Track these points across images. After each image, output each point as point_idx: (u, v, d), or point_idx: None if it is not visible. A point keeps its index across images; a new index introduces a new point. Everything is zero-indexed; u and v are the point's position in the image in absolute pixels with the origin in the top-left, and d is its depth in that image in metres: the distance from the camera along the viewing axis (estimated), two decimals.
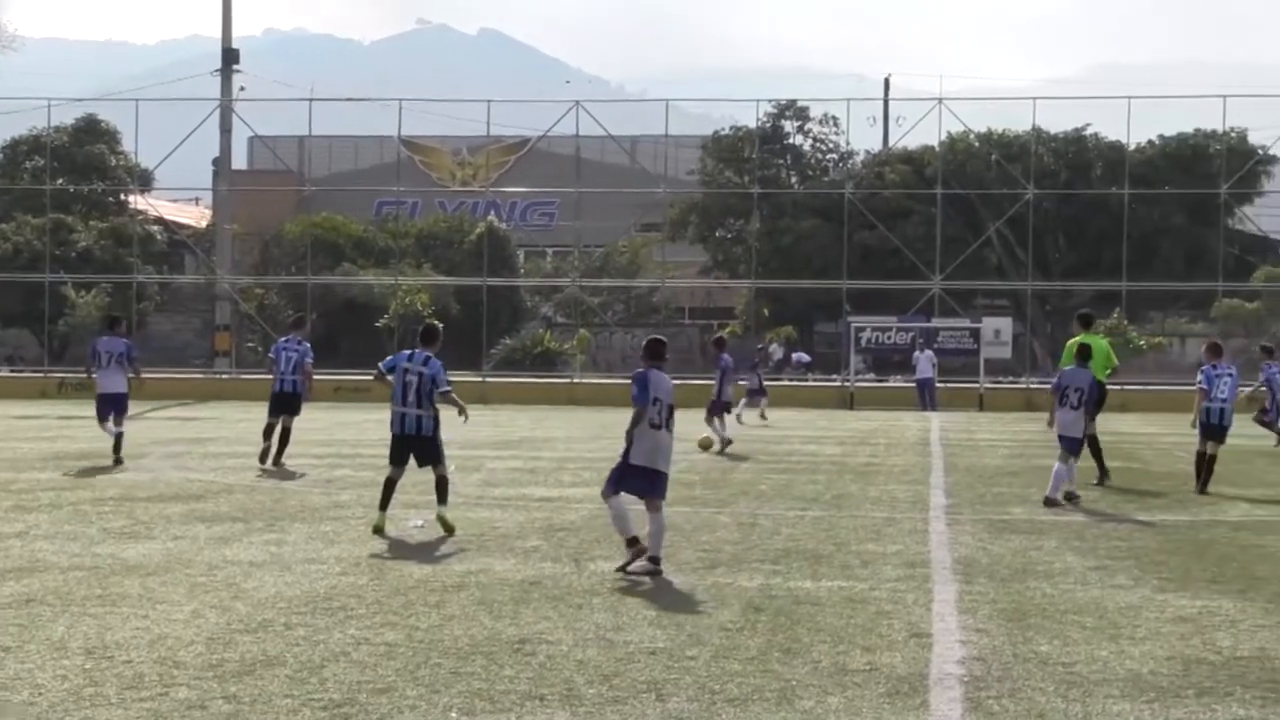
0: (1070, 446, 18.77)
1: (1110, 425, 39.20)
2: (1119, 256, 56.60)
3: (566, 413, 42.02)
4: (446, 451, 15.67)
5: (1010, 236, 65.04)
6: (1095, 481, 20.97)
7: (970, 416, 43.15)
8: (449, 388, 15.33)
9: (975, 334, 51.83)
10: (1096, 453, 21.58)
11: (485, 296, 58.63)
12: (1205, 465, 20.62)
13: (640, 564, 12.49)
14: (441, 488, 15.14)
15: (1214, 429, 20.88)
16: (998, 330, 53.55)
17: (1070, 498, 18.50)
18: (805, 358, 65.37)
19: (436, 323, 16.52)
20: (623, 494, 12.82)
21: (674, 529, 15.46)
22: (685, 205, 71.77)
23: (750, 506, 17.90)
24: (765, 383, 41.08)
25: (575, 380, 52.33)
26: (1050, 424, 19.44)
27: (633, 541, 12.51)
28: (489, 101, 60.35)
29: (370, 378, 16.64)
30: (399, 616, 10.56)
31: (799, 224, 67.78)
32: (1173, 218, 66.47)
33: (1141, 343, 64.87)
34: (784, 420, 38.14)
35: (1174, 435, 34.31)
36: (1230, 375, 21.39)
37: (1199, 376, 21.37)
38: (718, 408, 28.35)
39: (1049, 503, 18.24)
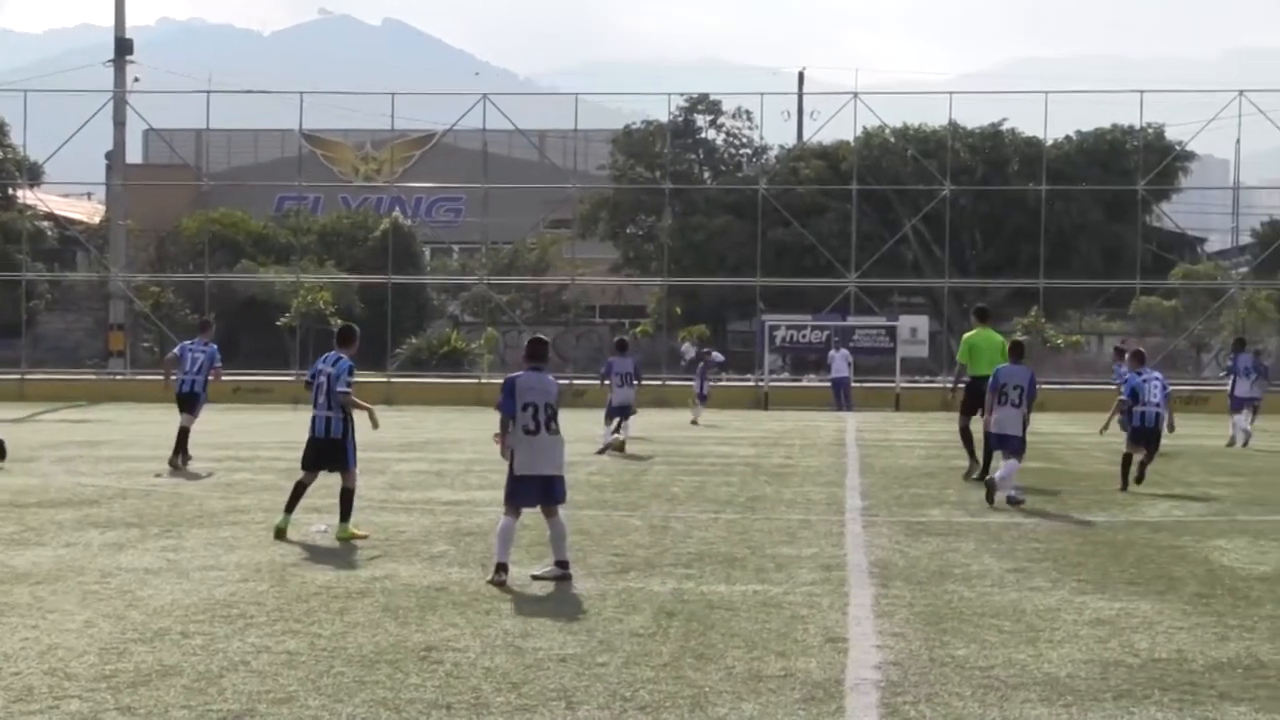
0: (1010, 445, 19.12)
1: (1030, 425, 39.60)
2: (1036, 253, 57.20)
3: (474, 414, 41.89)
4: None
5: (926, 233, 65.58)
6: (965, 476, 21.82)
7: (886, 417, 43.45)
8: (346, 389, 15.20)
9: (891, 332, 52.20)
10: (968, 446, 22.35)
11: (390, 295, 58.31)
12: (1137, 468, 21.03)
13: (548, 569, 12.46)
14: (345, 501, 15.03)
15: (1147, 434, 21.34)
16: (914, 329, 53.99)
17: (1014, 500, 18.66)
18: (719, 357, 65.51)
19: (353, 325, 16.41)
20: (524, 510, 12.71)
21: (584, 533, 15.45)
22: (595, 201, 71.81)
23: (663, 509, 17.91)
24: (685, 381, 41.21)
25: (483, 380, 52.17)
26: (988, 425, 19.73)
27: (501, 568, 12.27)
28: (393, 94, 60.04)
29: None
30: (301, 624, 10.48)
31: (712, 220, 68.03)
32: (1090, 214, 67.34)
33: (1059, 341, 65.72)
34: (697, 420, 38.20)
35: (1092, 435, 34.73)
36: (1158, 379, 21.88)
37: (1122, 385, 22.02)
38: (614, 411, 28.44)
39: (1012, 501, 18.65)
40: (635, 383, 28.96)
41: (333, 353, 15.51)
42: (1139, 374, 21.84)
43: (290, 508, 15.14)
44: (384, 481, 20.95)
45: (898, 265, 65.26)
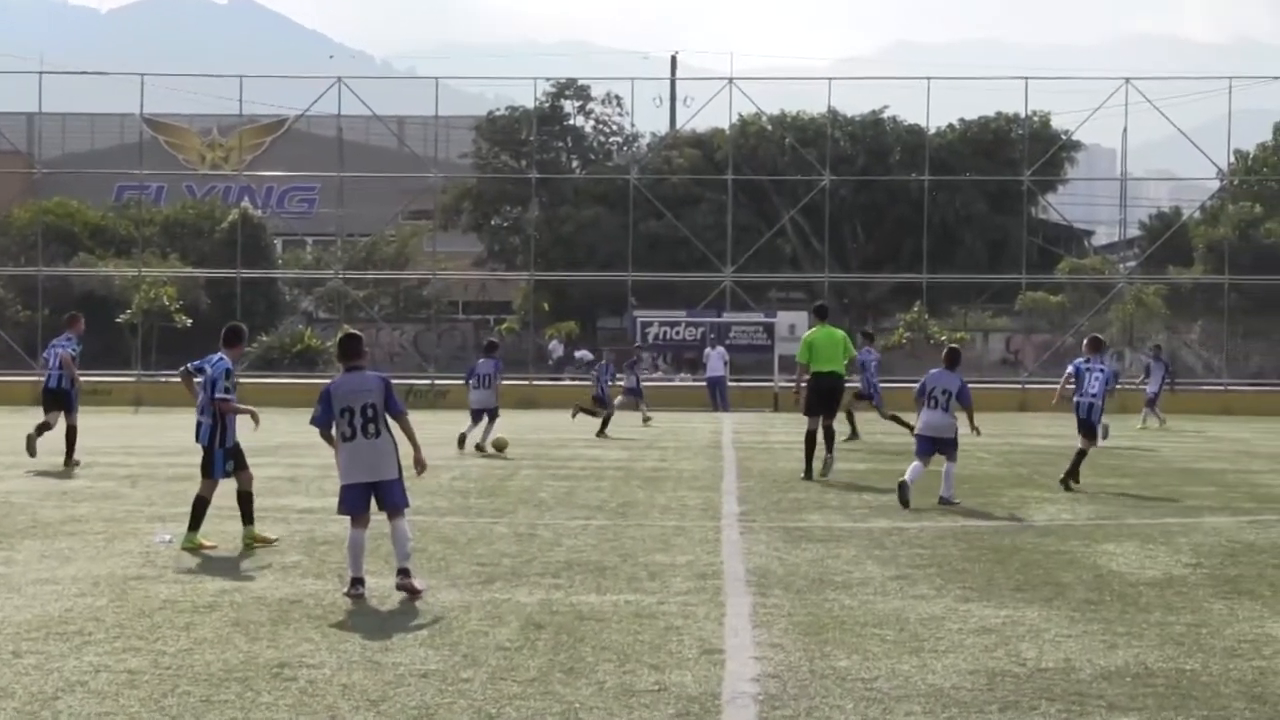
0: (946, 449, 19.87)
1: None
2: (919, 247, 57.89)
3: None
4: (199, 458, 15.39)
5: (805, 225, 66.08)
6: (802, 476, 22.91)
7: (764, 417, 43.70)
8: (224, 395, 15.16)
9: (769, 329, 52.55)
10: (809, 449, 23.39)
11: (239, 290, 57.69)
12: (1074, 459, 22.16)
13: (397, 581, 12.29)
14: (243, 504, 15.25)
15: (1084, 424, 22.44)
16: (793, 325, 54.33)
17: (945, 501, 19.46)
18: (588, 355, 65.57)
19: (240, 325, 16.23)
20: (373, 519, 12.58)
21: (446, 541, 15.38)
22: (458, 191, 71.51)
23: (529, 516, 17.88)
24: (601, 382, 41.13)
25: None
26: (913, 429, 20.60)
27: (356, 582, 12.16)
28: (242, 77, 59.38)
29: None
30: (143, 641, 10.33)
31: (580, 212, 68.03)
32: (974, 206, 68.20)
33: (943, 338, 66.47)
34: (565, 423, 38.20)
35: (975, 437, 35.15)
36: (1101, 370, 22.73)
37: (1068, 368, 23.02)
38: (478, 414, 29.00)
39: (944, 501, 19.35)
40: (492, 385, 29.06)
41: (216, 354, 15.48)
42: (1086, 360, 22.82)
43: (192, 524, 15.13)
44: (232, 488, 20.69)
45: (775, 259, 65.73)
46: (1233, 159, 65.04)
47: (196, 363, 15.69)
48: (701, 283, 58.56)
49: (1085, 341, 24.06)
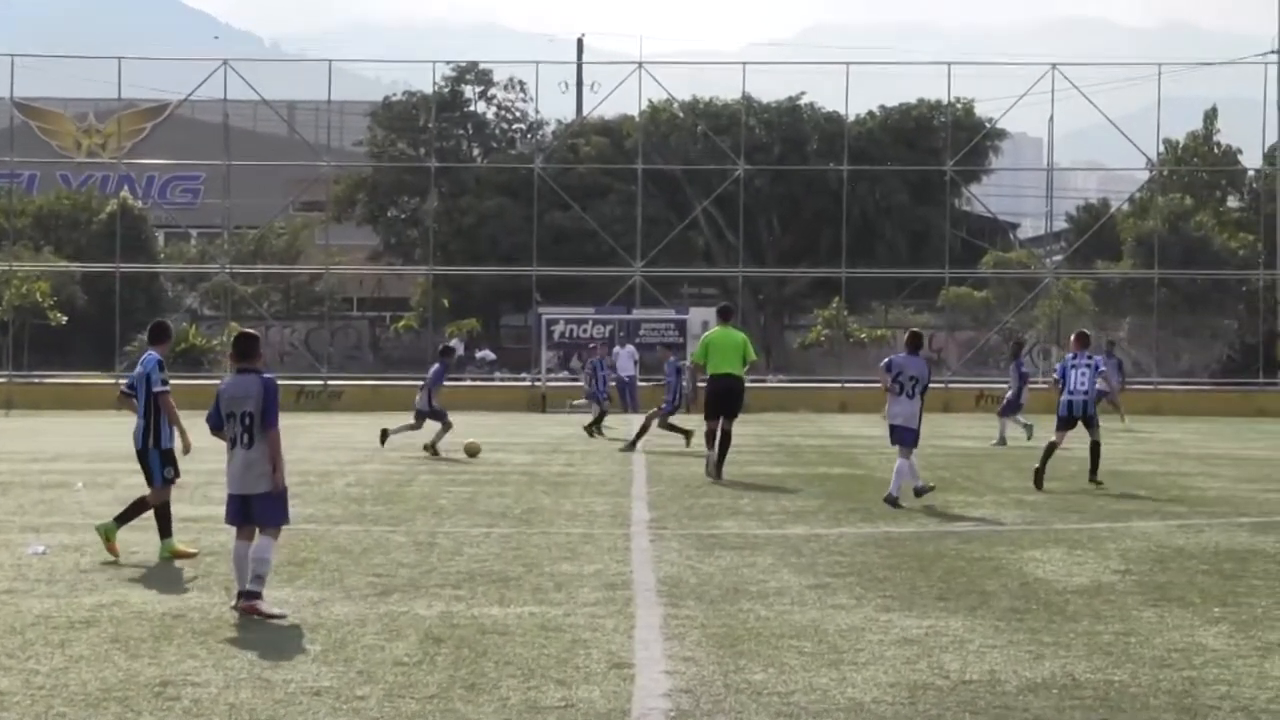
0: (906, 438, 20.30)
1: (831, 427, 40.33)
2: (838, 240, 58.18)
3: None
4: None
5: (719, 218, 66.27)
6: (707, 471, 23.92)
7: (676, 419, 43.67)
8: (163, 388, 15.11)
9: (681, 326, 52.64)
10: (710, 445, 24.31)
11: (118, 285, 57.09)
12: (1091, 454, 23.28)
13: (240, 602, 12.01)
14: (159, 517, 15.09)
15: (1072, 421, 23.27)
16: (706, 322, 54.35)
17: (920, 491, 20.09)
18: (490, 355, 65.51)
19: (166, 321, 16.12)
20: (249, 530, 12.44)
21: (340, 550, 15.31)
22: (352, 181, 71.19)
23: (429, 523, 17.82)
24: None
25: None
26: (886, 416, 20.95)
27: (244, 595, 12.02)
28: (120, 58, 58.76)
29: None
30: (15, 659, 10.20)
31: (482, 203, 67.91)
32: (895, 197, 68.66)
33: (862, 335, 66.94)
34: (467, 425, 38.09)
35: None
36: (1088, 366, 23.39)
37: (1055, 373, 23.89)
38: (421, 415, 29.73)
39: (890, 501, 19.73)
40: (426, 388, 29.94)
41: (148, 351, 15.47)
42: (1074, 356, 23.46)
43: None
44: (111, 495, 20.48)
45: (687, 253, 65.86)
46: (1162, 149, 65.85)
47: (130, 379, 15.61)
48: (610, 278, 58.57)
49: (1073, 337, 24.70)
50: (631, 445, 30.29)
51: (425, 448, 28.72)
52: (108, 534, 14.87)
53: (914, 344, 21.34)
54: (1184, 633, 11.40)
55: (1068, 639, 11.11)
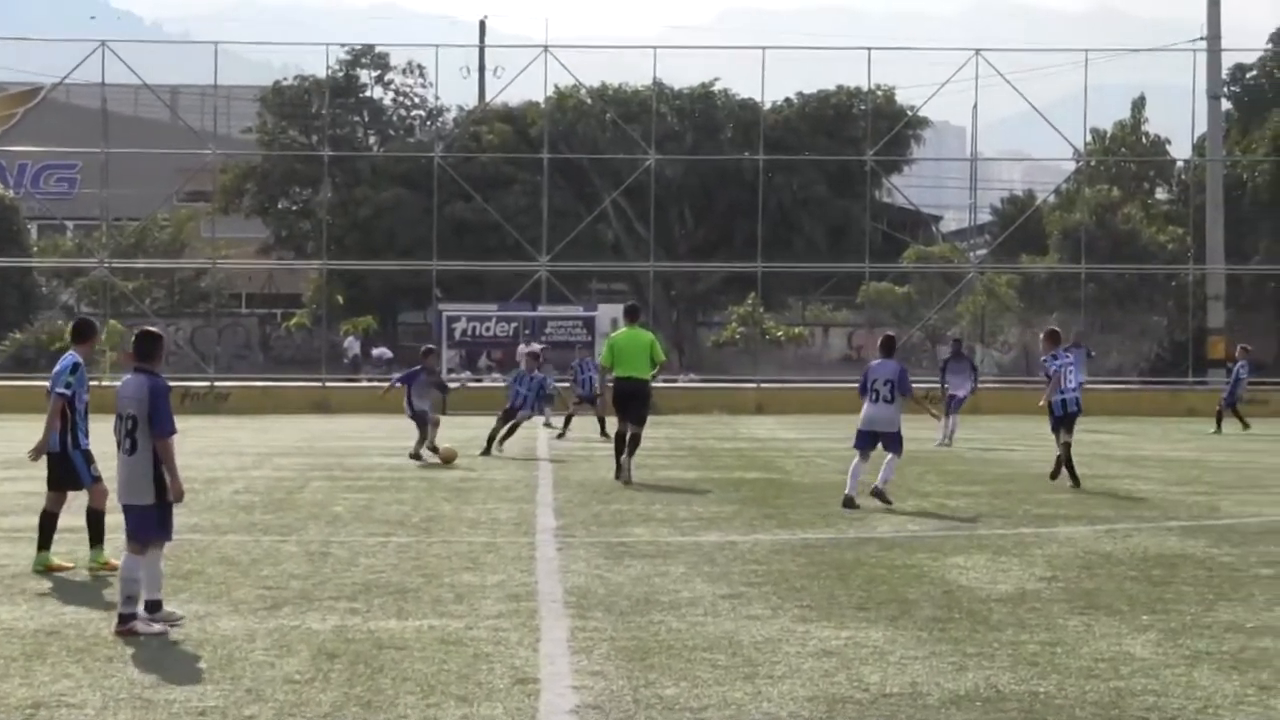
0: (890, 443, 21.06)
1: (746, 430, 40.45)
2: (753, 233, 58.33)
3: (94, 422, 40.79)
4: None
5: (629, 209, 66.32)
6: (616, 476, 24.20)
7: (584, 421, 43.70)
8: (63, 391, 14.92)
9: (589, 324, 52.66)
10: (618, 449, 24.70)
11: None
12: (1064, 460, 23.91)
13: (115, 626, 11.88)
14: (91, 523, 14.95)
15: (1060, 421, 23.99)
16: (615, 319, 54.42)
17: (878, 494, 20.60)
18: (387, 353, 65.23)
19: (91, 319, 15.88)
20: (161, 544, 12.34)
21: (228, 562, 15.21)
22: (240, 170, 70.73)
23: (322, 532, 17.74)
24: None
25: (105, 383, 50.91)
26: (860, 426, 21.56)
27: (130, 610, 11.86)
28: None
29: None
30: None
31: (379, 194, 67.63)
32: (814, 188, 68.94)
33: (779, 333, 67.19)
34: (361, 429, 37.99)
35: (818, 439, 35.59)
36: (1073, 362, 24.53)
37: (1052, 368, 24.42)
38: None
39: (877, 493, 20.46)
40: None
41: (69, 351, 15.32)
42: (1054, 357, 24.36)
43: (42, 543, 14.95)
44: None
45: (596, 246, 65.82)
46: (1089, 138, 66.46)
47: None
48: (514, 273, 58.50)
49: (1043, 336, 25.62)
50: (487, 450, 30.46)
51: (411, 455, 28.78)
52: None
53: (888, 348, 22.01)
54: (1111, 641, 11.52)
55: (992, 649, 11.21)
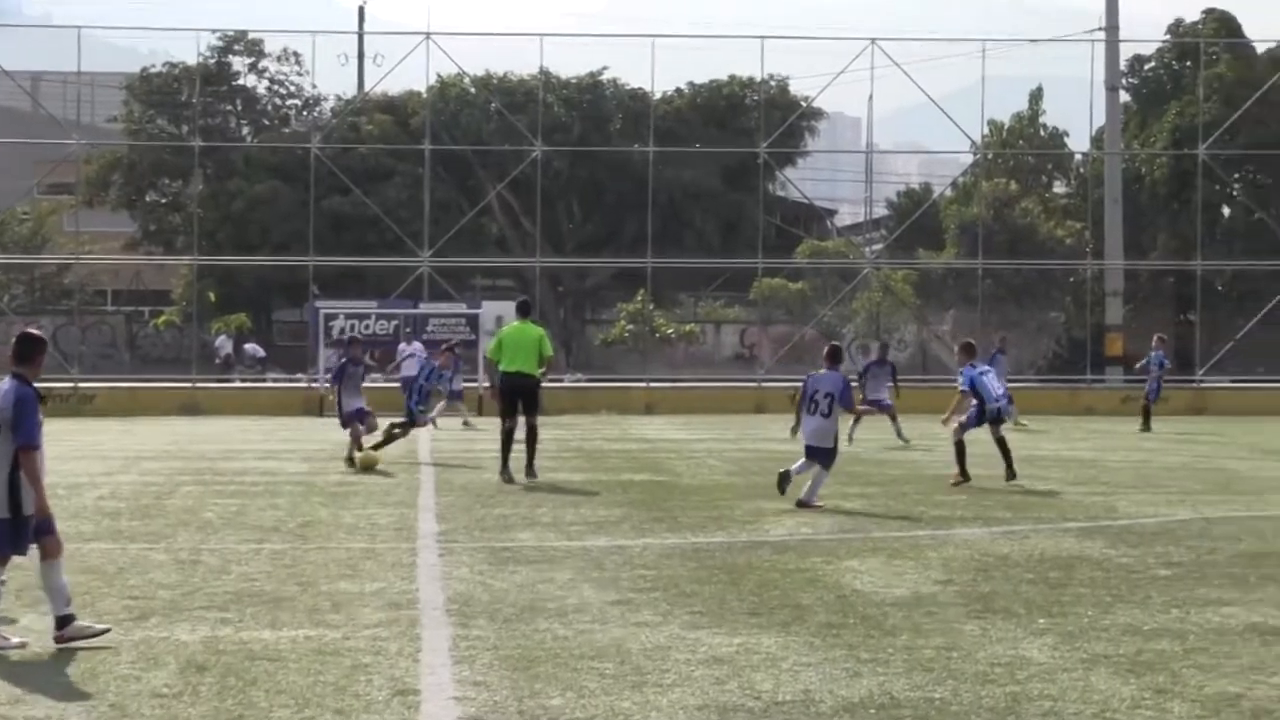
0: (821, 458, 21.20)
1: (635, 430, 40.50)
2: (643, 227, 58.35)
3: None
4: None
5: (514, 203, 66.25)
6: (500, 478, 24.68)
7: (467, 422, 43.63)
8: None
9: (473, 321, 52.51)
10: (504, 452, 25.09)
11: None
12: (1003, 453, 24.65)
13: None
14: None
15: (992, 421, 24.65)
16: (500, 317, 54.20)
17: (805, 504, 20.78)
18: (259, 351, 64.78)
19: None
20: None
21: (92, 571, 15.07)
22: (106, 161, 69.95)
23: (192, 540, 17.62)
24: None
25: None
26: (794, 433, 21.77)
27: (64, 622, 11.71)
28: None
29: None
30: None
31: (253, 186, 67.11)
32: (705, 182, 69.06)
33: (670, 330, 67.34)
34: (233, 431, 37.71)
35: (709, 440, 35.69)
36: (990, 370, 25.26)
37: (961, 381, 25.06)
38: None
39: (803, 504, 20.70)
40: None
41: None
42: (973, 367, 24.90)
43: None
44: None
45: (480, 241, 65.69)
46: (987, 130, 67.05)
47: None
48: (395, 268, 58.23)
49: (958, 349, 26.50)
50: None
51: (347, 461, 28.12)
52: None
53: (834, 358, 22.23)
54: (1007, 646, 11.64)
55: (886, 655, 11.29)
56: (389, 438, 29.95)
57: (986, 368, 25.36)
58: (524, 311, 26.15)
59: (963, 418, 24.98)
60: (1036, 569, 15.51)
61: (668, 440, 36.38)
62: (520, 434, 25.27)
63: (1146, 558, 16.36)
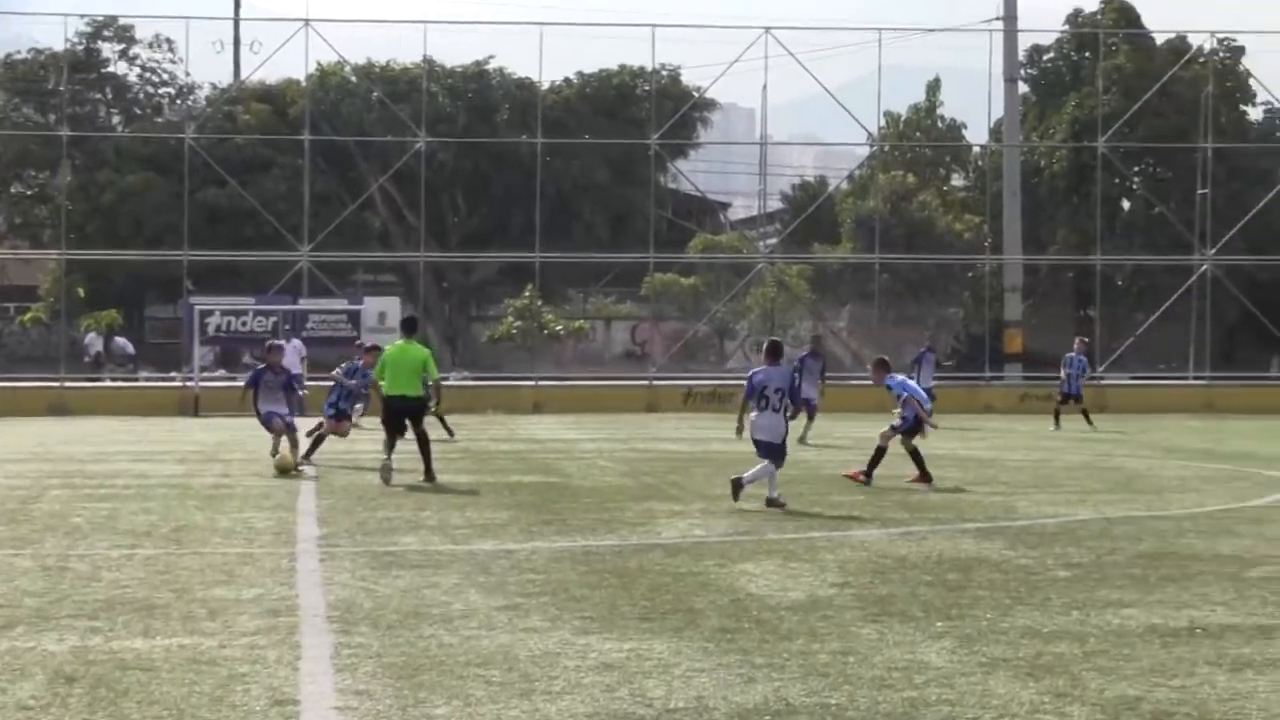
0: (770, 453, 21.29)
1: (524, 430, 40.48)
2: (531, 221, 58.35)
3: None
4: None
5: (397, 195, 66.04)
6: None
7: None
8: None
9: (355, 318, 52.35)
10: (423, 449, 25.29)
11: None
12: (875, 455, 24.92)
13: None
14: None
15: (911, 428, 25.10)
16: (383, 313, 54.33)
17: (734, 490, 21.12)
18: (128, 347, 64.25)
19: None
20: None
21: None
22: None
23: (60, 545, 17.44)
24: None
25: None
26: (739, 432, 22.07)
27: None
28: None
29: None
30: None
31: (124, 178, 66.58)
32: (595, 174, 69.15)
33: (559, 327, 67.34)
34: (103, 432, 37.36)
35: (599, 440, 35.73)
36: (912, 379, 26.56)
37: (894, 390, 25.31)
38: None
39: (772, 503, 20.94)
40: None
41: None
42: (893, 377, 25.53)
43: None
44: None
45: (362, 235, 65.50)
46: (883, 122, 67.48)
47: None
48: (273, 263, 57.90)
49: (872, 365, 26.65)
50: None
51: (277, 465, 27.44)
52: None
53: (775, 353, 22.30)
54: (905, 650, 11.71)
55: (782, 660, 11.32)
56: (316, 441, 29.52)
57: (910, 379, 26.10)
58: (409, 329, 26.22)
59: (899, 422, 25.23)
60: (934, 571, 15.60)
61: (557, 440, 36.38)
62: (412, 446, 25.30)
63: (1046, 559, 16.50)
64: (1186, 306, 59.76)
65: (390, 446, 25.12)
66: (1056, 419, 42.23)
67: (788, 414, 22.15)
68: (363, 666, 11.07)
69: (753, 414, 21.68)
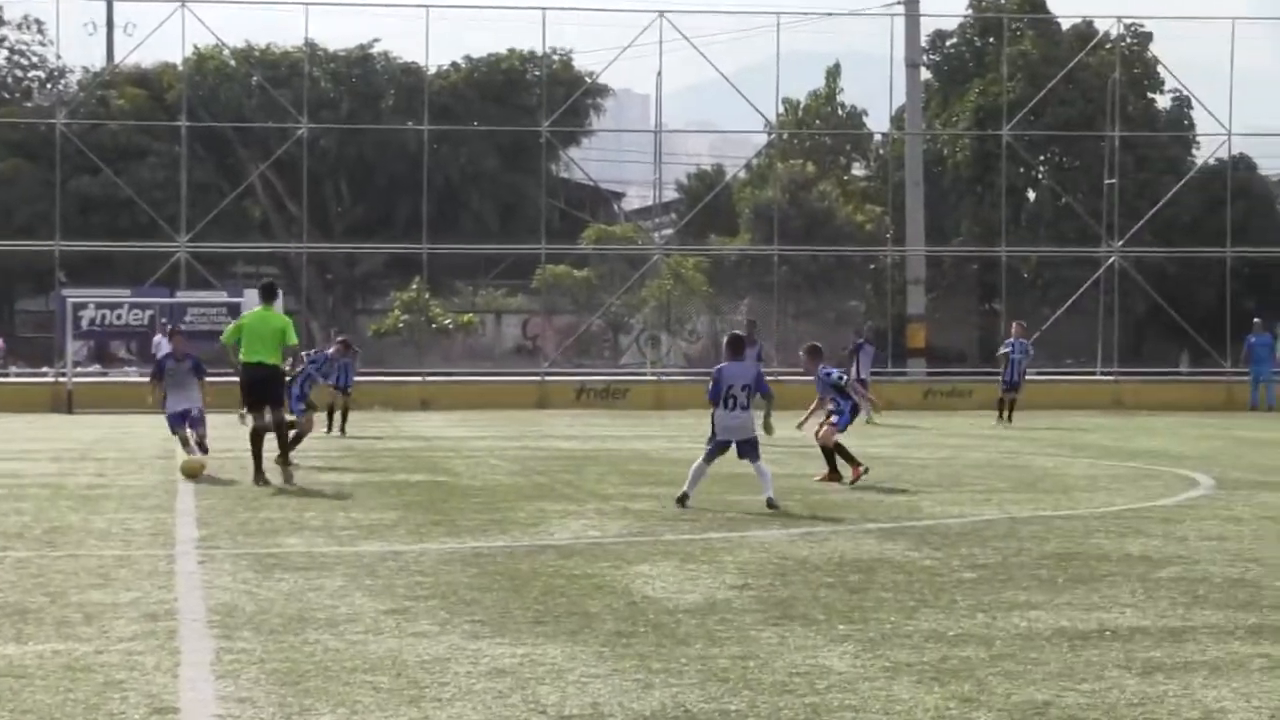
0: (750, 451, 21.33)
1: (410, 427, 40.37)
2: (418, 211, 58.25)
3: None
4: None
5: (278, 184, 65.80)
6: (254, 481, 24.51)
7: (231, 419, 43.20)
8: None
9: (234, 310, 52.01)
10: (281, 439, 25.27)
11: None
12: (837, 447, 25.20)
13: None
14: None
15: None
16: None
17: (773, 504, 20.87)
18: None
19: None
20: None
21: None
22: None
23: None
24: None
25: None
26: (715, 435, 21.72)
27: None
28: None
29: None
30: None
31: None
32: (483, 162, 69.12)
33: (447, 321, 67.23)
34: None
35: (489, 437, 35.69)
36: (833, 373, 26.54)
37: (820, 384, 26.12)
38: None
39: (683, 500, 21.14)
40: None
41: None
42: (828, 373, 26.15)
43: None
44: None
45: (242, 225, 65.21)
46: (782, 109, 67.69)
47: None
48: (149, 254, 57.51)
49: (804, 353, 27.08)
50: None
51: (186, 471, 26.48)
52: None
53: (737, 347, 22.35)
54: (807, 654, 11.75)
55: (679, 665, 11.34)
56: (295, 440, 28.76)
57: (835, 371, 26.22)
58: (268, 296, 25.88)
59: (829, 419, 25.40)
60: (836, 572, 15.67)
61: (445, 438, 36.31)
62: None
63: (951, 560, 16.60)
64: (1094, 300, 60.26)
65: (258, 443, 24.86)
66: (1001, 411, 42.51)
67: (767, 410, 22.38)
68: (245, 673, 11.01)
69: (718, 412, 21.62)
